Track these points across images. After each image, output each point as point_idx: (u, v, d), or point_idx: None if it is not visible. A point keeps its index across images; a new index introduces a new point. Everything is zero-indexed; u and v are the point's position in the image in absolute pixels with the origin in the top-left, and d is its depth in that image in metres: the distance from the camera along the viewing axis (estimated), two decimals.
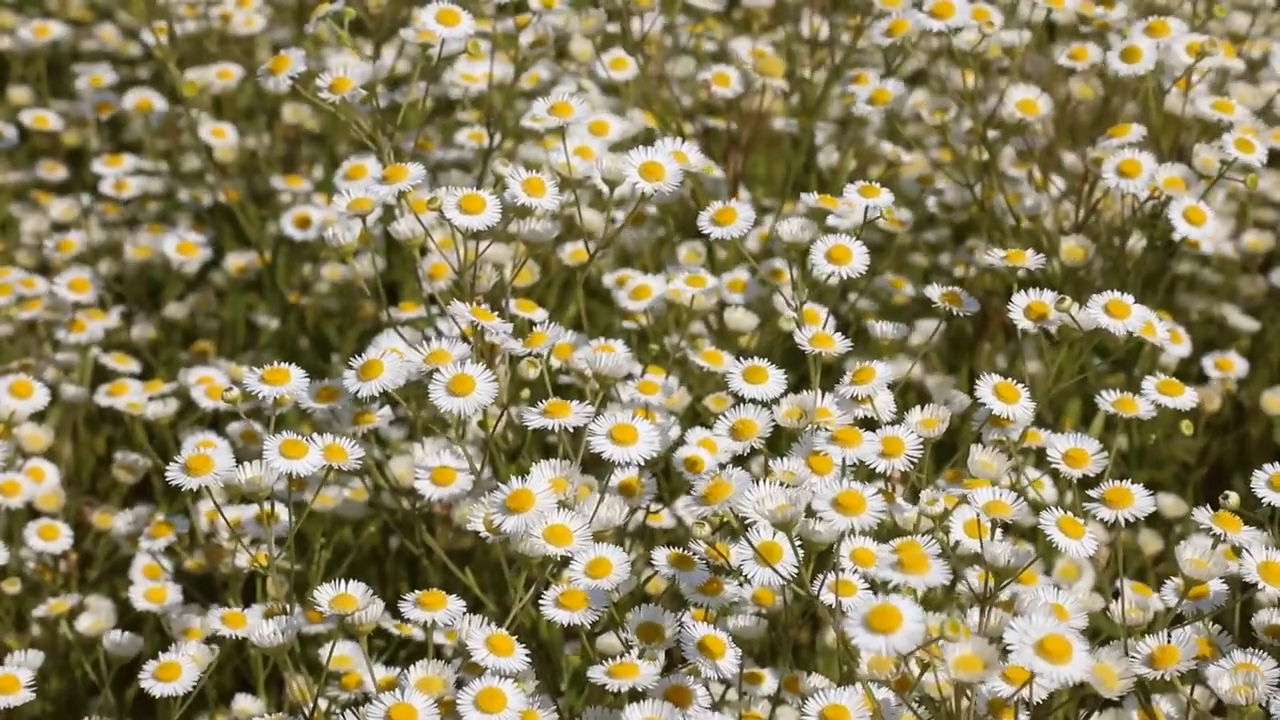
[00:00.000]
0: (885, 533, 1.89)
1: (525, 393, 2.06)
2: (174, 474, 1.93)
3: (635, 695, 1.81)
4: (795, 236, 2.02)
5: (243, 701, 2.22)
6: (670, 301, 2.30)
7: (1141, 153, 2.20)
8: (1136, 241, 2.37)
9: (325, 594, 1.86)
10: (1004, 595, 1.80)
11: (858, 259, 2.00)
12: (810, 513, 1.74)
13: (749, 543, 1.77)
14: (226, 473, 1.93)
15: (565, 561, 1.87)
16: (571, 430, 1.93)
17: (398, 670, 2.09)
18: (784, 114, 2.75)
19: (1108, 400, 1.96)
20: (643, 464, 1.92)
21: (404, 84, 2.76)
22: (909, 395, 2.64)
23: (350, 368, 1.99)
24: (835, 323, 2.05)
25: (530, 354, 2.03)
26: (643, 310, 2.31)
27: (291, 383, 2.00)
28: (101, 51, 3.08)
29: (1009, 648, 1.60)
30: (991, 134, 2.42)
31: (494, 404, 1.98)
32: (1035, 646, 1.58)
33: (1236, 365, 2.60)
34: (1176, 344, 2.34)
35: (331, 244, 2.12)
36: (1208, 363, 2.60)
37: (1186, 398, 1.97)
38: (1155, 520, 2.63)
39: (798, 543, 1.74)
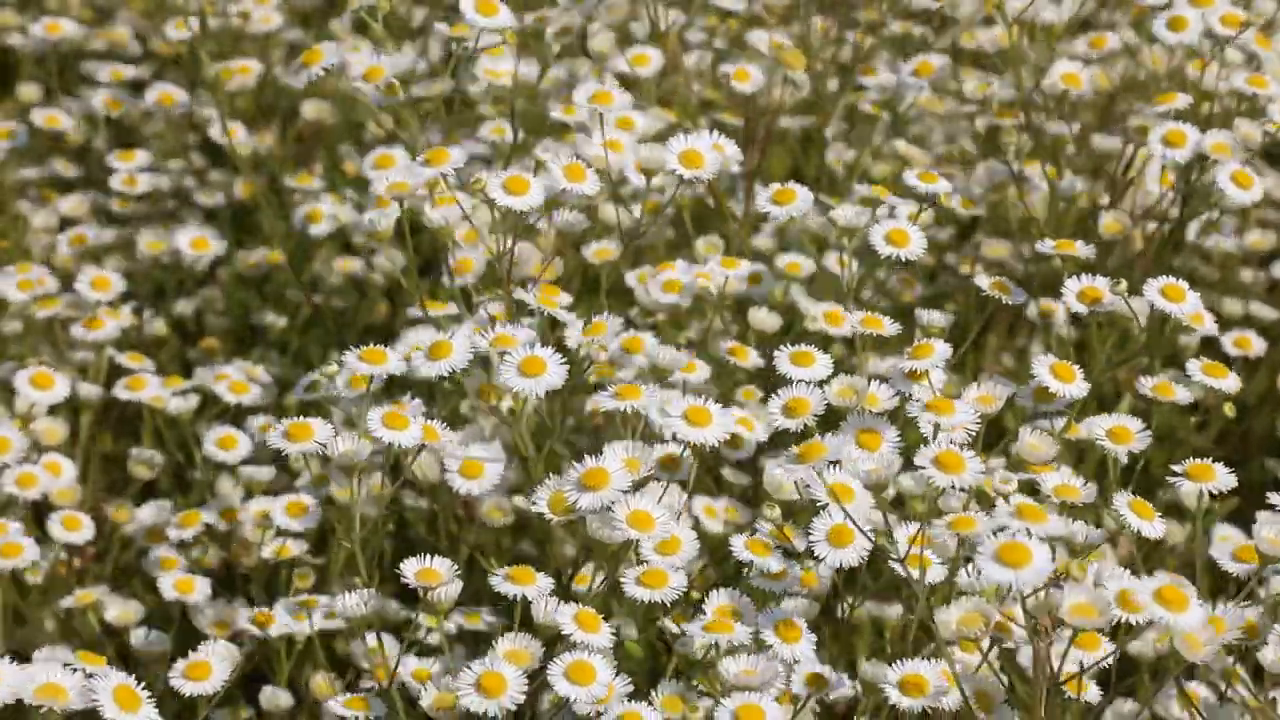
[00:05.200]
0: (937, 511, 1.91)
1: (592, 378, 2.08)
2: (275, 440, 1.96)
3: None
4: (850, 222, 2.08)
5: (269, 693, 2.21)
6: (698, 294, 2.32)
7: (1185, 123, 2.24)
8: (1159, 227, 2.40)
9: (411, 567, 1.86)
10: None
11: (915, 242, 2.07)
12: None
13: (842, 511, 1.78)
14: (326, 440, 1.95)
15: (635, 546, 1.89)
16: (641, 412, 1.95)
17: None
18: (798, 110, 2.76)
19: (1147, 384, 2.01)
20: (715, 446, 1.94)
21: (426, 79, 2.77)
22: None
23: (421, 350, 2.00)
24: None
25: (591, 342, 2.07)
26: (670, 305, 2.34)
27: (389, 363, 2.01)
28: (110, 51, 3.07)
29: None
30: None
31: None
32: (1154, 594, 1.61)
33: (1254, 344, 2.61)
34: (1198, 325, 2.38)
35: (368, 230, 2.14)
36: (1225, 341, 2.62)
37: (1230, 381, 2.01)
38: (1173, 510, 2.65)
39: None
